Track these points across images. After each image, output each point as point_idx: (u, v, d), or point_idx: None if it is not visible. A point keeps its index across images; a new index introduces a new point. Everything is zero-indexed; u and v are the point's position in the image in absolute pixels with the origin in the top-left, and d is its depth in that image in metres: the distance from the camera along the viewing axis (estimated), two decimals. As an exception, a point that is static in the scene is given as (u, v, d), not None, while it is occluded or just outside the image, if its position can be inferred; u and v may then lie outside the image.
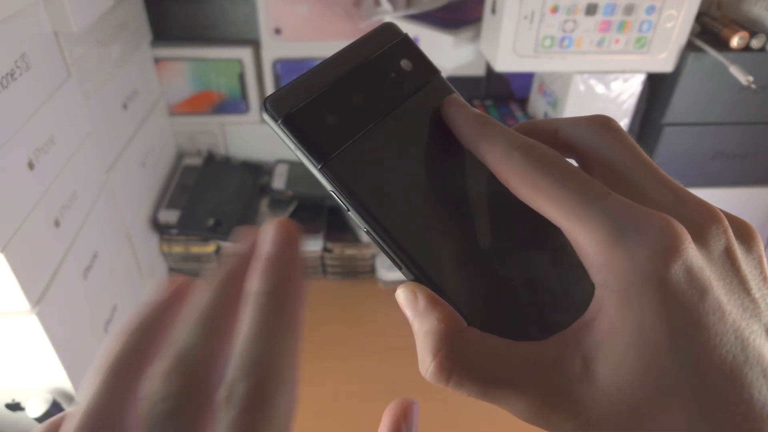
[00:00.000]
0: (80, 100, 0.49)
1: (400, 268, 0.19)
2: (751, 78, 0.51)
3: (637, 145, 0.19)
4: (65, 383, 0.44)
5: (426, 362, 0.17)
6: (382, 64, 0.21)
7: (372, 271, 0.73)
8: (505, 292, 0.20)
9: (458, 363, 0.16)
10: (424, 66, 0.21)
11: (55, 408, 0.43)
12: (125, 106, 0.60)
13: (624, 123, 0.60)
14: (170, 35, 0.69)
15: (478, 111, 0.20)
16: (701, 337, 0.14)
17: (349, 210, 0.19)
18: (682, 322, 0.14)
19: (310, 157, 0.18)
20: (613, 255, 0.15)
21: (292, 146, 0.18)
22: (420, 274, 0.19)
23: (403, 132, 0.20)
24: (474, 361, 0.17)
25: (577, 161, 0.19)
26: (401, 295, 0.19)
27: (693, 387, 0.14)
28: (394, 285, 0.72)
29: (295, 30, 0.68)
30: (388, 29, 0.21)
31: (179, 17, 0.69)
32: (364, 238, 0.70)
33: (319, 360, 0.63)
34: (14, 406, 0.46)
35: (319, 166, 0.18)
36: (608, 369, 0.15)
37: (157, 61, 0.70)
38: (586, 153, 0.19)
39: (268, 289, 0.18)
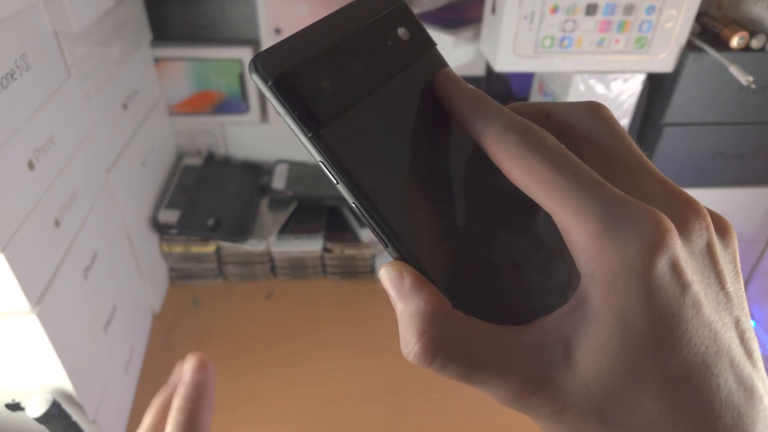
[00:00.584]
0: (80, 100, 0.49)
1: (386, 247, 0.18)
2: (751, 78, 0.51)
3: (628, 135, 0.19)
4: (65, 383, 0.44)
5: (410, 343, 0.17)
6: (378, 31, 0.19)
7: (372, 271, 0.73)
8: (489, 276, 0.19)
9: (443, 345, 0.17)
10: (420, 37, 0.20)
11: (55, 408, 0.43)
12: (125, 106, 0.60)
13: (624, 123, 0.60)
14: (170, 35, 0.69)
15: (472, 87, 0.19)
16: (679, 330, 0.15)
17: (337, 183, 0.18)
18: (663, 315, 0.15)
19: (300, 124, 0.17)
20: (603, 247, 0.15)
21: (281, 111, 0.17)
22: (406, 253, 0.18)
23: (396, 105, 0.19)
24: (458, 344, 0.17)
25: (567, 146, 0.19)
26: (385, 274, 0.18)
27: (667, 376, 0.15)
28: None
29: (295, 30, 0.67)
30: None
31: (179, 17, 0.69)
32: (365, 238, 0.70)
33: (319, 360, 0.63)
34: (14, 406, 0.46)
35: (309, 135, 0.17)
36: (588, 357, 0.16)
37: (157, 61, 0.70)
38: (579, 138, 0.19)
39: (180, 405, 0.30)
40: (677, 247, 0.15)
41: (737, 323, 0.16)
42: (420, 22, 0.21)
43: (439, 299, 0.17)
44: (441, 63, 0.21)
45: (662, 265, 0.15)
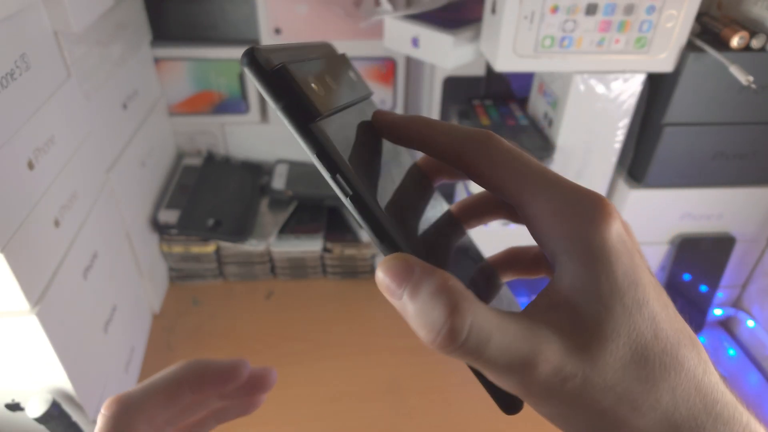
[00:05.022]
0: (80, 100, 0.49)
1: (381, 241, 0.18)
2: (751, 78, 0.51)
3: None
4: (65, 383, 0.44)
5: (438, 322, 0.15)
6: (342, 64, 0.23)
7: (372, 271, 0.73)
8: (468, 270, 0.22)
9: (475, 319, 0.16)
10: (363, 83, 0.24)
11: (55, 408, 0.43)
12: (125, 106, 0.60)
13: (624, 123, 0.60)
14: (170, 35, 0.69)
15: (406, 115, 0.21)
16: (641, 283, 0.18)
17: (333, 174, 0.18)
18: (629, 273, 0.18)
19: (297, 113, 0.17)
20: (574, 224, 0.18)
21: (277, 102, 0.17)
22: (405, 245, 0.18)
23: (362, 124, 0.21)
24: (484, 322, 0.16)
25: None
26: (386, 267, 0.17)
27: (644, 326, 0.17)
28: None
29: (294, 30, 0.68)
30: (330, 47, 0.24)
31: (179, 17, 0.69)
32: (365, 238, 0.70)
33: (319, 360, 0.63)
34: (14, 406, 0.46)
35: (309, 124, 0.17)
36: (591, 317, 0.17)
37: (157, 61, 0.70)
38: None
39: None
40: (619, 219, 0.18)
41: None
42: (359, 72, 0.24)
43: (455, 278, 0.17)
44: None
45: (617, 228, 0.18)
